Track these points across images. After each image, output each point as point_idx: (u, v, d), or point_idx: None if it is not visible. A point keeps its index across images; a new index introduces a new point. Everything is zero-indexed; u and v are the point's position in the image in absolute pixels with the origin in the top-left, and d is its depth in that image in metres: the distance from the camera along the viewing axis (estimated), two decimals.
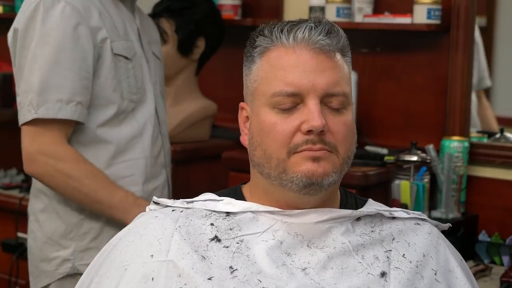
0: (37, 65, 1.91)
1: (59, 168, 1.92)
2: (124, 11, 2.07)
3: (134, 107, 2.03)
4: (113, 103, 1.99)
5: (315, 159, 1.28)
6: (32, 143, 1.93)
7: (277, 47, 1.32)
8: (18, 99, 1.97)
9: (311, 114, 1.27)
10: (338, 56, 1.32)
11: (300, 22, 1.32)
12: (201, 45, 2.78)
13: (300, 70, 1.29)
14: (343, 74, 1.32)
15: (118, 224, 1.94)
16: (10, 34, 1.99)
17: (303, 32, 1.30)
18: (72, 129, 1.96)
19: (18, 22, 1.95)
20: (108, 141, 2.00)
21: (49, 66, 1.90)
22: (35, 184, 2.06)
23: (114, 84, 1.98)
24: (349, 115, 1.33)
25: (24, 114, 1.92)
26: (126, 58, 2.01)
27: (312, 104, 1.28)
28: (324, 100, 1.30)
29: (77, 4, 1.93)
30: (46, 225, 2.04)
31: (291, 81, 1.29)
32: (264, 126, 1.31)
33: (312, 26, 1.30)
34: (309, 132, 1.28)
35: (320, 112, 1.28)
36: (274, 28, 1.33)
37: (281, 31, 1.31)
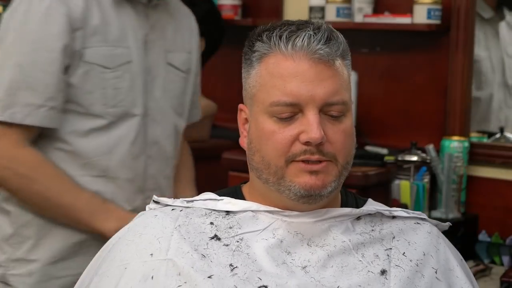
0: (11, 62, 1.79)
1: (20, 172, 1.80)
2: (127, 14, 1.90)
3: (109, 122, 1.86)
4: (83, 114, 1.85)
5: (313, 173, 1.28)
6: None
7: (276, 54, 1.30)
8: None
9: (310, 126, 1.26)
10: (338, 62, 1.31)
11: (299, 28, 1.30)
12: (201, 45, 2.78)
13: (298, 80, 1.28)
14: (342, 81, 1.31)
15: (56, 240, 1.85)
16: None
17: (302, 40, 1.28)
18: (37, 132, 1.83)
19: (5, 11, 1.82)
20: (71, 152, 1.85)
21: (24, 65, 1.78)
22: None
23: (84, 94, 1.83)
24: (348, 122, 1.32)
25: None
26: (104, 67, 1.85)
27: (311, 115, 1.27)
28: (323, 109, 1.29)
29: (64, 2, 1.80)
30: None
31: (290, 91, 1.28)
32: (262, 133, 1.31)
33: (311, 34, 1.28)
34: (308, 143, 1.27)
35: (319, 123, 1.27)
36: (272, 33, 1.31)
37: (280, 38, 1.29)
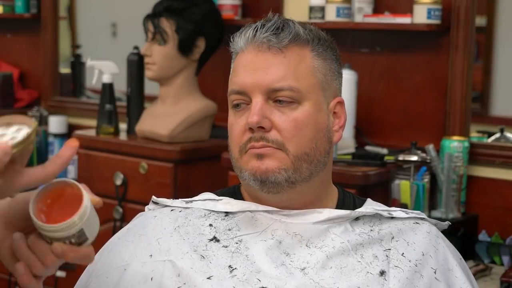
0: None
1: None
2: None
3: None
4: None
5: (259, 156, 1.29)
6: None
7: (238, 50, 1.35)
8: None
9: (251, 112, 1.29)
10: (291, 51, 1.31)
11: (256, 22, 1.35)
12: (201, 45, 2.78)
13: (245, 69, 1.32)
14: (294, 69, 1.31)
15: None
16: None
17: (251, 32, 1.32)
18: None
19: None
20: None
21: None
22: None
23: None
24: (305, 110, 1.31)
25: None
26: None
27: (254, 102, 1.30)
28: (271, 96, 1.30)
29: None
30: None
31: (237, 80, 1.33)
32: (228, 126, 1.35)
33: (258, 26, 1.33)
34: (251, 129, 1.29)
35: (260, 108, 1.29)
36: (237, 33, 1.36)
37: (239, 34, 1.35)
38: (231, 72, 1.37)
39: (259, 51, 1.31)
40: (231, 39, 1.37)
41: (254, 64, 1.31)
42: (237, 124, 1.32)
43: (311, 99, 1.32)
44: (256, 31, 1.32)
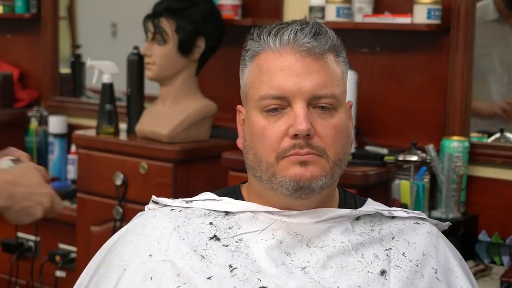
0: None
1: None
2: None
3: None
4: None
5: (303, 163, 1.28)
6: None
7: (266, 51, 1.32)
8: None
9: (297, 118, 1.27)
10: (328, 57, 1.32)
11: (289, 24, 1.32)
12: (201, 45, 2.78)
13: (285, 73, 1.29)
14: (332, 75, 1.31)
15: None
16: None
17: (289, 35, 1.30)
18: None
19: None
20: None
21: None
22: None
23: None
24: (341, 117, 1.32)
25: None
26: None
27: (298, 108, 1.28)
28: (312, 102, 1.29)
29: None
30: None
31: (277, 85, 1.29)
32: (254, 130, 1.32)
33: (298, 29, 1.30)
34: (296, 136, 1.28)
35: (306, 115, 1.27)
36: (262, 31, 1.33)
37: (269, 34, 1.31)
38: (251, 71, 1.34)
39: (300, 55, 1.29)
40: (253, 37, 1.34)
41: (296, 69, 1.29)
42: (272, 128, 1.29)
43: (343, 105, 1.33)
44: (296, 33, 1.29)
